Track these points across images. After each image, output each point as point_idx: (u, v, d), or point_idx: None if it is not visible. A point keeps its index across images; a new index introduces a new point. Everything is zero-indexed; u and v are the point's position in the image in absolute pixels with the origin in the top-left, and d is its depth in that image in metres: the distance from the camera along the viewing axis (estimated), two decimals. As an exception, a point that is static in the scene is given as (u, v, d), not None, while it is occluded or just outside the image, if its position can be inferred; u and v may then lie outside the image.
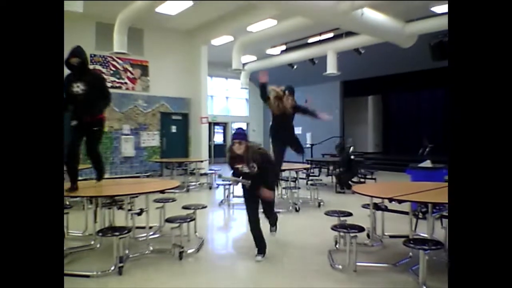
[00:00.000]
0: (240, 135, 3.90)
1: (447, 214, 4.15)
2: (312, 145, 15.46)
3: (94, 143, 4.30)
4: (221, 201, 7.25)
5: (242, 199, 4.18)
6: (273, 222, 4.60)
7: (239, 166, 3.89)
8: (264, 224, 4.15)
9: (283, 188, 7.32)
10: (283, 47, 13.75)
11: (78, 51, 3.97)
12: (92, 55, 10.75)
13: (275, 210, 4.79)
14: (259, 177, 3.86)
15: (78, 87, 3.92)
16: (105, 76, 10.88)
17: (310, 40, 12.78)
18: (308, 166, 10.45)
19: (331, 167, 10.48)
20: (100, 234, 3.69)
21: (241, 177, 3.93)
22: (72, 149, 4.03)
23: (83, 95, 3.94)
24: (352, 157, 8.84)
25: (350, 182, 8.57)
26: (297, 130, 17.34)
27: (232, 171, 4.07)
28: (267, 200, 4.05)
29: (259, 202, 4.05)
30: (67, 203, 4.99)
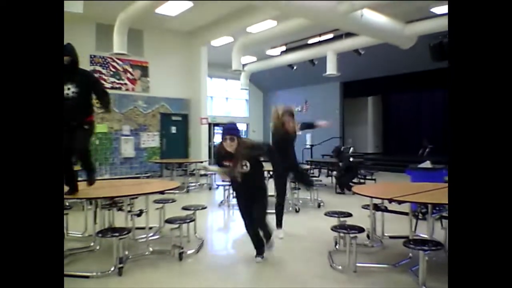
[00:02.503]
0: (232, 130, 3.53)
1: (447, 215, 4.15)
2: (311, 145, 15.46)
3: (83, 141, 3.83)
4: (221, 202, 7.24)
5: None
6: (266, 235, 3.90)
7: (228, 164, 3.54)
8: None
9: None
10: (283, 48, 13.74)
11: (68, 49, 3.58)
12: (92, 56, 10.77)
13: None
14: (252, 175, 3.59)
15: (69, 90, 3.56)
16: (105, 77, 10.92)
17: (310, 41, 12.77)
18: (308, 166, 10.46)
19: (331, 168, 10.47)
20: (100, 235, 3.69)
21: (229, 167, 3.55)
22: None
23: (74, 98, 3.57)
24: (351, 158, 8.85)
25: (350, 183, 8.58)
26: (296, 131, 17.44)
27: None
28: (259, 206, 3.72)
29: (252, 199, 3.72)
30: (67, 204, 4.99)
